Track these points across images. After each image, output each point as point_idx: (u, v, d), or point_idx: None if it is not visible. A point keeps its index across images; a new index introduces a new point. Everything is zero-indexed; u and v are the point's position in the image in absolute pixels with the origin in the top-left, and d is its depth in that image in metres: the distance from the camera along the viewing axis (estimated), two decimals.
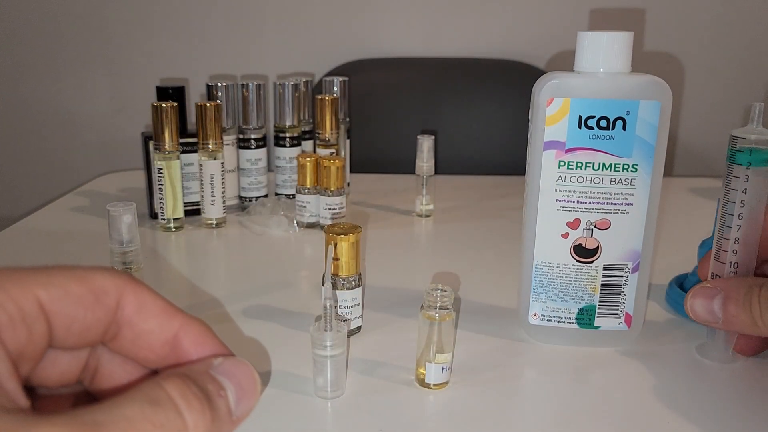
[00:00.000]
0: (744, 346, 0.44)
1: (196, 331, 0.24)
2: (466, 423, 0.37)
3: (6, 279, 0.20)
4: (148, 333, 0.23)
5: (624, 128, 0.42)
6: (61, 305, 0.21)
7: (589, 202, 0.43)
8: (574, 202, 0.43)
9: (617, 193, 0.43)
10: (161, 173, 0.69)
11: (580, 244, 0.44)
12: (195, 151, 0.74)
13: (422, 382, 0.40)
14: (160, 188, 0.70)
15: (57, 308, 0.21)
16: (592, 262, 0.44)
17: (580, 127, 0.42)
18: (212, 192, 0.72)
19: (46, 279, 0.21)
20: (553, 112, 0.42)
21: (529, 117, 0.45)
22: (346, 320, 0.46)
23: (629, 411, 0.39)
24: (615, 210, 0.43)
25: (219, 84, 0.77)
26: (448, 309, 0.39)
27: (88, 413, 0.18)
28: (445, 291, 0.39)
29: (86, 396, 0.25)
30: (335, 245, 0.45)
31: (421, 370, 0.40)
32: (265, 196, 0.81)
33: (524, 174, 0.46)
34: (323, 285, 0.47)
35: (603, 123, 0.42)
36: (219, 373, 0.22)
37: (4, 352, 0.19)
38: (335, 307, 0.43)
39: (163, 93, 0.76)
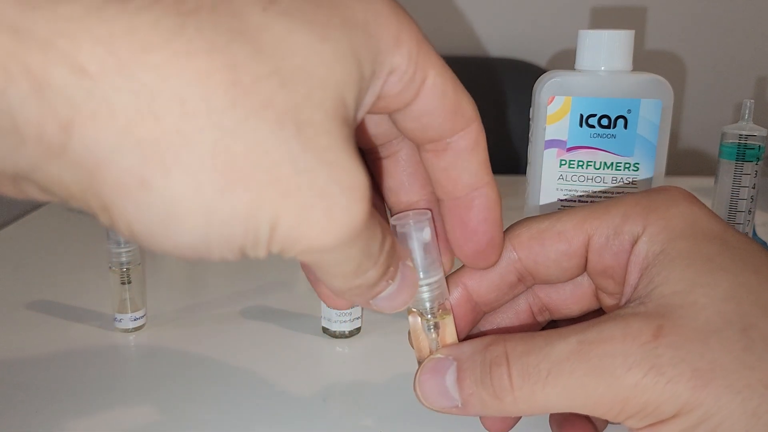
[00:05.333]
0: (494, 424, 0.30)
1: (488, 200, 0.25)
2: None
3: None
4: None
5: (625, 127, 0.41)
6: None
7: (591, 202, 0.43)
8: (575, 201, 0.43)
9: (619, 193, 0.43)
10: None
11: None
12: None
13: None
14: None
15: None
16: None
17: (581, 125, 0.42)
18: None
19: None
20: (554, 110, 0.42)
21: (530, 116, 0.44)
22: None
23: None
24: None
25: None
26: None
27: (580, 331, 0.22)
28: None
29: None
30: None
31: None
32: None
33: (525, 173, 0.46)
34: None
35: (604, 122, 0.41)
36: (401, 271, 0.23)
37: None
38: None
39: None
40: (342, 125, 0.18)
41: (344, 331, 0.46)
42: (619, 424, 0.23)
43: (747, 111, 0.41)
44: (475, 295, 0.28)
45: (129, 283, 0.47)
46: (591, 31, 0.42)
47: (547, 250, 0.27)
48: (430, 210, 0.27)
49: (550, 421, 0.31)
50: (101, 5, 0.15)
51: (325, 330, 0.47)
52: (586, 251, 0.26)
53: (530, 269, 0.27)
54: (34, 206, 0.81)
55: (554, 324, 0.31)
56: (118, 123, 0.15)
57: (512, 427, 0.30)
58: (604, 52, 0.41)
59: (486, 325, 0.30)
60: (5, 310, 0.51)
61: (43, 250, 0.67)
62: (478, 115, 0.24)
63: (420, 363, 0.27)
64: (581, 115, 0.41)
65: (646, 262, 0.24)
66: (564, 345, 0.22)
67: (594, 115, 0.41)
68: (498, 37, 1.27)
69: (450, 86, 0.23)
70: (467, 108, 0.23)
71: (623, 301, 0.25)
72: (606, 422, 0.31)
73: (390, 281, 0.23)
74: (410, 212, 0.26)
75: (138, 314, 0.47)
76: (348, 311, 0.46)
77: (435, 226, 0.27)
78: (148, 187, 0.16)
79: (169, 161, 0.16)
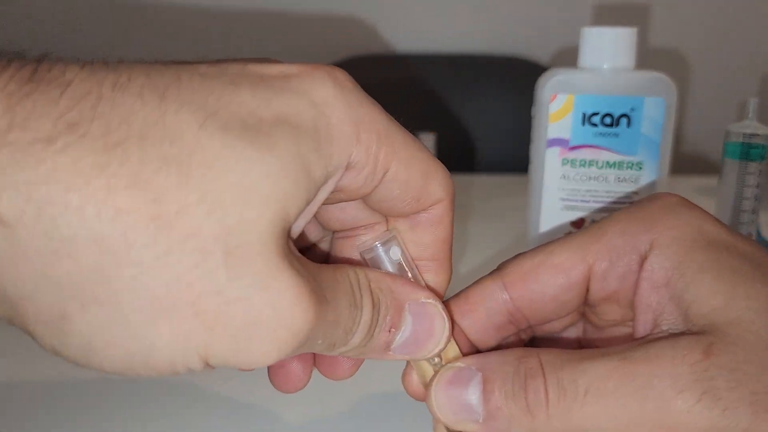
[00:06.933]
0: None
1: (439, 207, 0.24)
2: None
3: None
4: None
5: (629, 125, 0.41)
6: None
7: (594, 201, 0.43)
8: (578, 200, 0.43)
9: (622, 192, 0.42)
10: None
11: None
12: None
13: None
14: None
15: None
16: None
17: (584, 124, 0.41)
18: None
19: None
20: (557, 108, 0.41)
21: (533, 114, 0.44)
22: None
23: None
24: (620, 209, 0.43)
25: None
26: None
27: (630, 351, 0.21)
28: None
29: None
30: None
31: None
32: None
33: (527, 172, 0.45)
34: None
35: (607, 120, 0.41)
36: (411, 312, 0.22)
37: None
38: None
39: None
40: (279, 239, 0.18)
41: None
42: None
43: (751, 109, 0.40)
44: (459, 332, 0.26)
45: None
46: (594, 29, 0.41)
47: (543, 286, 0.25)
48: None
49: None
50: (26, 147, 0.15)
51: None
52: (587, 280, 0.25)
53: (524, 309, 0.25)
54: None
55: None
56: (36, 266, 0.15)
57: None
58: (608, 50, 0.41)
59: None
60: None
61: None
62: (450, 192, 0.23)
63: (424, 382, 0.25)
64: (584, 114, 0.41)
65: (663, 278, 0.23)
66: (605, 362, 0.21)
67: (597, 114, 0.41)
68: (500, 35, 1.26)
69: (415, 174, 0.22)
70: (435, 191, 0.22)
71: (640, 323, 0.23)
72: None
73: (393, 330, 0.22)
74: (375, 236, 0.25)
75: None
76: None
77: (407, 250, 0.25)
78: (69, 320, 0.16)
79: (86, 297, 0.16)
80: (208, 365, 0.18)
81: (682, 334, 0.21)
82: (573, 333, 0.28)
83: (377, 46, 1.26)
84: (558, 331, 0.28)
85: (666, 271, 0.22)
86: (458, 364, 0.23)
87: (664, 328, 0.22)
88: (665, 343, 0.21)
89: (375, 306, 0.21)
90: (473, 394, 0.22)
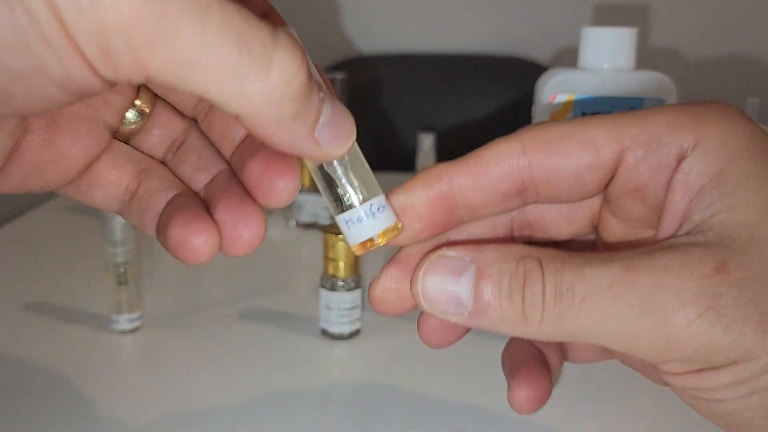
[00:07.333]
0: (438, 335, 0.25)
1: None
2: None
3: None
4: None
5: None
6: None
7: None
8: None
9: None
10: None
11: None
12: None
13: None
14: None
15: None
16: None
17: None
18: None
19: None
20: (557, 108, 0.41)
21: (533, 114, 0.44)
22: None
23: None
24: None
25: None
26: None
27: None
28: None
29: None
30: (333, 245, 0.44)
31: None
32: None
33: None
34: (321, 285, 0.46)
35: None
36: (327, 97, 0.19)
37: None
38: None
39: None
40: None
41: (343, 333, 0.46)
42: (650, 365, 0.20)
43: (751, 109, 0.40)
44: (459, 195, 0.23)
45: (126, 283, 0.46)
46: (594, 29, 0.41)
47: (567, 159, 0.22)
48: None
49: (503, 363, 0.27)
50: None
51: (324, 332, 0.46)
52: (616, 164, 0.22)
53: (540, 181, 0.23)
54: (29, 207, 0.81)
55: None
56: None
57: (453, 343, 0.25)
58: (608, 50, 0.41)
59: (454, 233, 0.25)
60: (0, 311, 0.51)
61: (39, 250, 0.66)
62: None
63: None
64: (584, 114, 0.41)
65: (698, 183, 0.20)
66: (606, 269, 0.19)
67: (597, 113, 0.41)
68: (500, 35, 1.26)
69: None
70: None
71: (664, 229, 0.21)
72: (561, 362, 0.27)
73: (321, 94, 0.19)
74: None
75: (134, 315, 0.47)
76: (348, 312, 0.45)
77: None
78: None
79: None
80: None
81: (694, 244, 0.19)
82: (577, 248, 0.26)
83: (377, 46, 1.26)
84: (563, 239, 0.26)
85: (704, 177, 0.20)
86: (450, 252, 0.21)
87: (682, 238, 0.20)
88: (675, 253, 0.19)
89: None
90: (464, 287, 0.21)
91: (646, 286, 0.19)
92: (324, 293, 0.46)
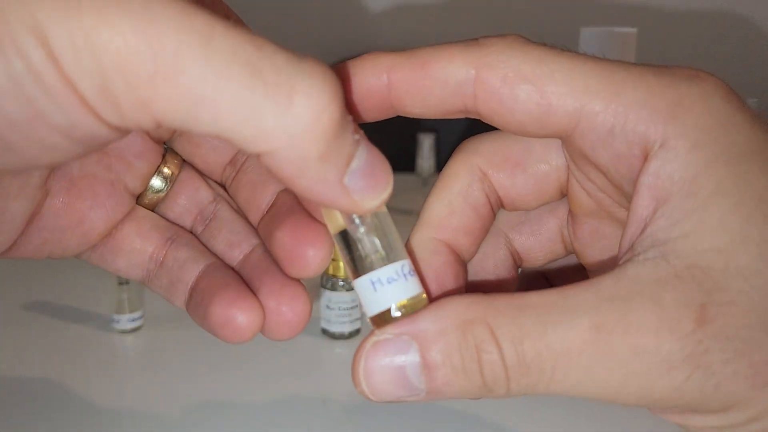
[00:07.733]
0: None
1: None
2: None
3: None
4: None
5: None
6: None
7: None
8: None
9: None
10: None
11: None
12: None
13: None
14: None
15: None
16: None
17: None
18: None
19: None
20: None
21: None
22: None
23: None
24: None
25: None
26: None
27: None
28: None
29: None
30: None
31: None
32: None
33: None
34: (322, 285, 0.46)
35: None
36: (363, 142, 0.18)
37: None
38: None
39: None
40: None
41: (344, 332, 0.46)
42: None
43: None
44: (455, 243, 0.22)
45: (127, 283, 0.46)
46: (593, 29, 0.41)
47: (517, 103, 0.21)
48: None
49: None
50: None
51: (324, 331, 0.46)
52: (572, 130, 0.19)
53: (483, 104, 0.22)
54: None
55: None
56: None
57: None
58: (607, 50, 0.41)
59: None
60: (1, 310, 0.51)
61: None
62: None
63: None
64: None
65: (666, 189, 0.18)
66: (572, 331, 0.17)
67: None
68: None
69: None
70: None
71: (627, 236, 0.19)
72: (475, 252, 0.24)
73: (356, 135, 0.17)
74: None
75: (136, 315, 0.47)
76: (348, 311, 0.45)
77: None
78: None
79: None
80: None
81: (668, 283, 0.17)
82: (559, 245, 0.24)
83: (378, 46, 1.26)
84: (532, 208, 0.23)
85: (673, 183, 0.18)
86: (385, 335, 0.19)
87: (649, 256, 0.18)
88: (646, 303, 0.17)
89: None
90: (411, 371, 0.19)
91: (624, 351, 0.17)
92: (324, 293, 0.46)
